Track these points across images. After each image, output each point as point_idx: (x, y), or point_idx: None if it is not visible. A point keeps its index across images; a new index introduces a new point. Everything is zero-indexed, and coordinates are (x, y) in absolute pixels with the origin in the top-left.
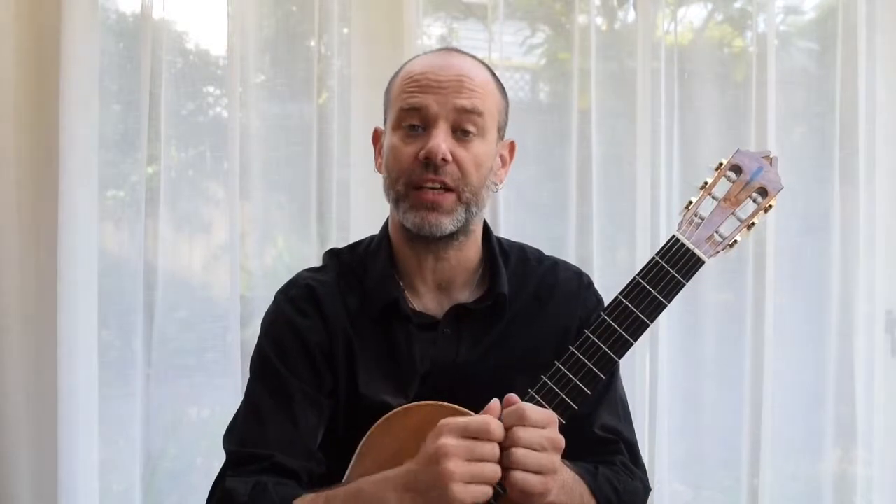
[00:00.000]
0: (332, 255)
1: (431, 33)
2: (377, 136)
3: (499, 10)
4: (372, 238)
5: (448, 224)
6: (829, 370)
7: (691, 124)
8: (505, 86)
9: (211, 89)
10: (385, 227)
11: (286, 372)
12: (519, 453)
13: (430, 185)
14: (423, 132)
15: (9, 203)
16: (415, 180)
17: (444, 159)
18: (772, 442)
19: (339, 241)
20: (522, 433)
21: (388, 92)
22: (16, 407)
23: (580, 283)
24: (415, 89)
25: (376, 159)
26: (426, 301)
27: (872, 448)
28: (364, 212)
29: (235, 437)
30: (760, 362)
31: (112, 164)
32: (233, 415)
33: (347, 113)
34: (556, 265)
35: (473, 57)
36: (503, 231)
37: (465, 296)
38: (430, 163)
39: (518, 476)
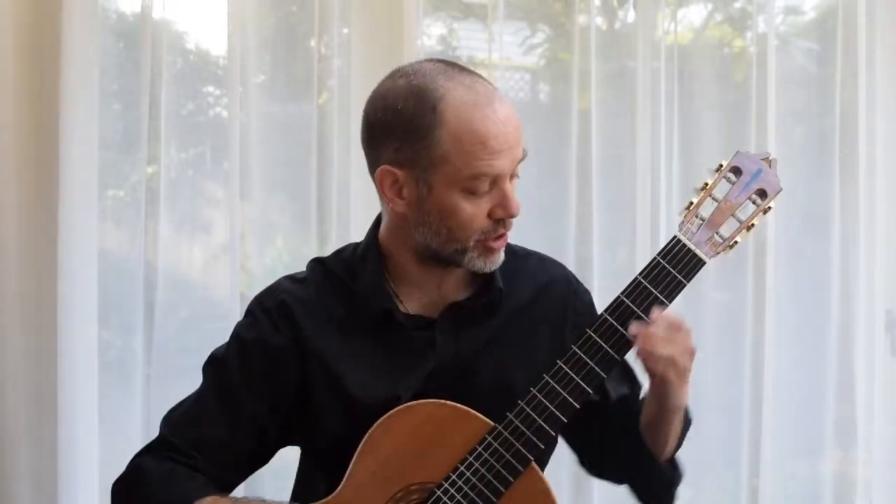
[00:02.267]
0: (317, 264)
1: (431, 33)
2: (385, 177)
3: (499, 10)
4: (357, 245)
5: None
6: (829, 370)
7: (691, 124)
8: (505, 86)
9: (211, 89)
10: (373, 234)
11: (241, 384)
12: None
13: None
14: (488, 187)
15: (9, 203)
16: (489, 237)
17: None
18: (772, 442)
19: (339, 241)
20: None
21: (429, 142)
22: (16, 407)
23: (567, 275)
24: (488, 156)
25: (392, 201)
26: (421, 303)
27: (872, 448)
28: (364, 212)
29: (172, 421)
30: (760, 362)
31: (112, 164)
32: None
33: (347, 113)
34: (543, 260)
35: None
36: None
37: (458, 293)
38: (504, 219)
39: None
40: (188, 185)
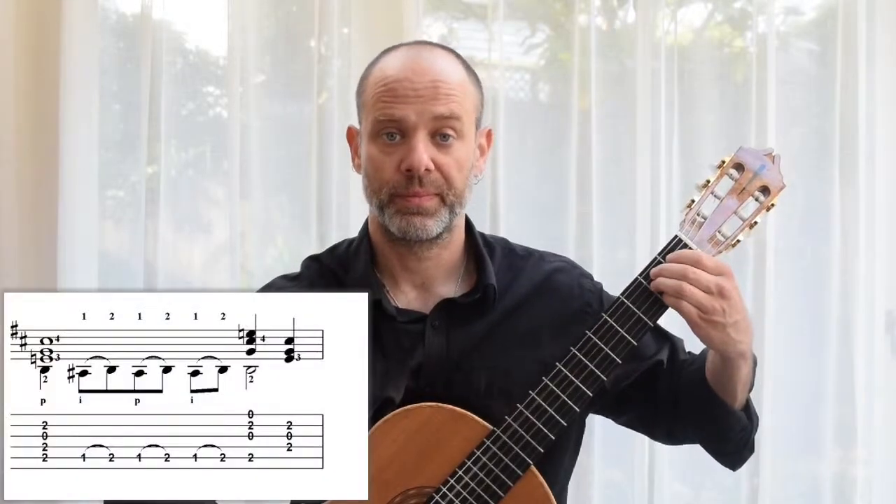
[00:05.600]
0: (311, 261)
1: (431, 33)
2: (352, 135)
3: (499, 10)
4: (352, 240)
5: (434, 227)
6: (829, 370)
7: (691, 124)
8: (505, 86)
9: (211, 89)
10: (365, 227)
11: None
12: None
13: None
14: (402, 140)
15: (9, 203)
16: (399, 192)
17: (426, 170)
18: (772, 442)
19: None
20: (692, 273)
21: (360, 93)
22: None
23: (572, 272)
24: (390, 99)
25: (353, 159)
26: (409, 298)
27: (872, 448)
28: (364, 212)
29: None
30: (760, 362)
31: (112, 164)
32: None
33: (347, 113)
34: (543, 257)
35: (444, 48)
36: (503, 231)
37: (449, 291)
38: (412, 175)
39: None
40: (188, 185)
